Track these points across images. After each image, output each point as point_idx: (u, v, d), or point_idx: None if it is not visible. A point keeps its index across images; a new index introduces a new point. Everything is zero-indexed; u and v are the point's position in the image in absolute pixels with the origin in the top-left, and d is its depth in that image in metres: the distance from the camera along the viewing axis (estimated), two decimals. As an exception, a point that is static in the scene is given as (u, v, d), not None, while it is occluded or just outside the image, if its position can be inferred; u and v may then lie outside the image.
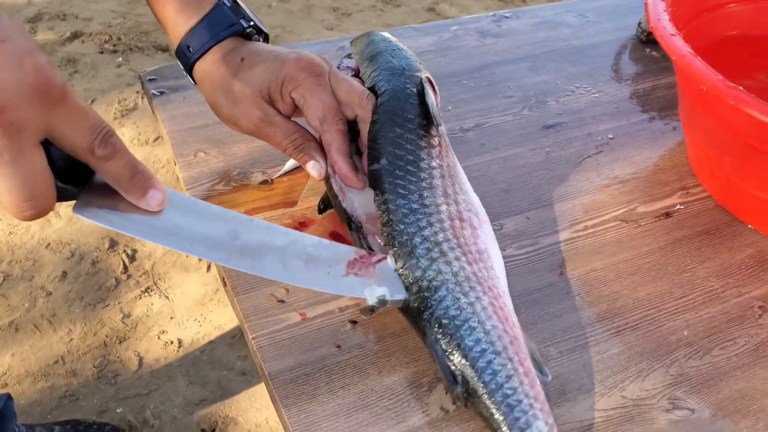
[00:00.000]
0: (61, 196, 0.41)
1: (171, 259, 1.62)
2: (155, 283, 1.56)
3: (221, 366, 1.41)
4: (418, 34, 0.87)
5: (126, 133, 1.93)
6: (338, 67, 0.66)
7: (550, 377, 0.49)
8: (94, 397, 1.34)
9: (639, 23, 0.88)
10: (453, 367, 0.47)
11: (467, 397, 0.46)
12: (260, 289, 0.55)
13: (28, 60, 0.36)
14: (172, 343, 1.44)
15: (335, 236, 0.60)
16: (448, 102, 0.77)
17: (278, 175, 0.65)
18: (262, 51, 0.58)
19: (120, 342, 1.44)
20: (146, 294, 1.53)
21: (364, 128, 0.58)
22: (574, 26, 0.91)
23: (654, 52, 0.86)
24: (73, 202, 0.43)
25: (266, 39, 0.62)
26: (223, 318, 1.49)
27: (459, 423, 0.48)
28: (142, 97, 2.06)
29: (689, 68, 0.56)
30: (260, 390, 1.37)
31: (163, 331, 1.46)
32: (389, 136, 0.56)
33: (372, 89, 0.59)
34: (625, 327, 0.55)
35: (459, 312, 0.48)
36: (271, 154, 0.67)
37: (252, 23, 0.60)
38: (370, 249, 0.54)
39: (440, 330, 0.48)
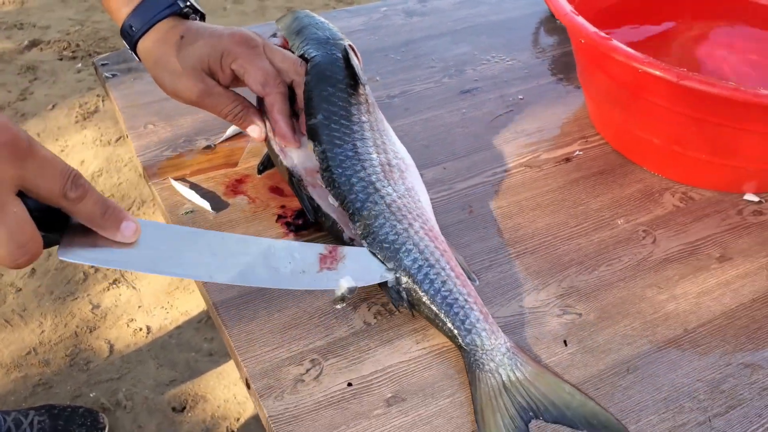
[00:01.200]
0: (45, 243, 0.44)
1: (137, 251, 1.67)
2: (122, 275, 1.62)
3: (189, 348, 1.47)
4: (350, 15, 0.95)
5: (88, 135, 1.99)
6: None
7: (477, 282, 0.58)
8: (67, 383, 1.39)
9: (551, -1, 0.97)
10: (397, 286, 0.55)
11: (413, 306, 0.55)
12: (205, 236, 0.63)
13: None
14: (141, 329, 1.50)
15: (273, 190, 0.67)
16: (377, 73, 0.85)
17: (220, 141, 0.73)
18: (200, 28, 0.64)
19: (90, 331, 1.49)
20: (114, 285, 1.59)
21: (300, 92, 0.65)
22: (493, 3, 0.99)
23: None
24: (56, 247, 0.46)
25: (203, 18, 0.68)
26: (189, 304, 1.55)
27: (378, 333, 0.55)
28: (103, 100, 2.11)
29: (571, 24, 0.64)
30: (227, 369, 1.43)
31: (132, 319, 1.52)
32: (323, 94, 0.63)
33: (303, 57, 0.67)
34: (525, 251, 0.63)
35: (396, 237, 0.56)
36: (213, 123, 0.74)
37: (188, 3, 0.66)
38: (310, 198, 0.61)
39: (382, 255, 0.56)
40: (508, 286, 0.60)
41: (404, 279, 0.55)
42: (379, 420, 0.50)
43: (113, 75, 0.81)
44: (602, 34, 0.62)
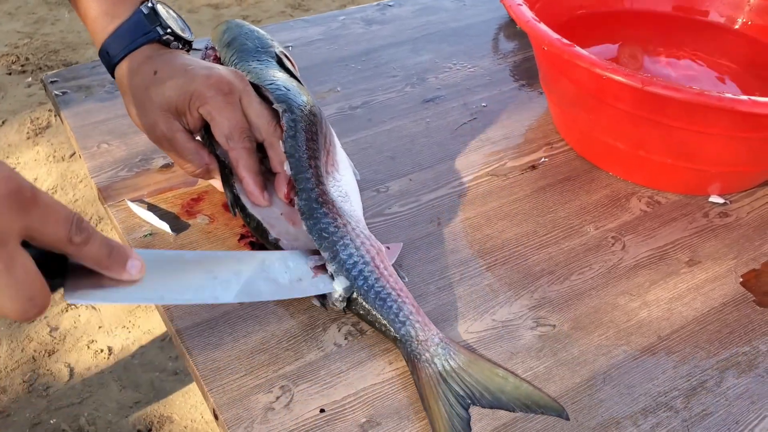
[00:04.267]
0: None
1: (95, 270, 1.63)
2: (81, 295, 1.57)
3: (153, 368, 1.43)
4: (307, 25, 0.93)
5: (41, 151, 1.93)
6: (204, 53, 0.71)
7: (406, 279, 0.58)
8: (25, 411, 1.34)
9: (510, 4, 0.97)
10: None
11: (347, 304, 0.54)
12: (165, 260, 0.60)
13: None
14: (102, 351, 1.46)
15: (226, 207, 0.65)
16: (338, 84, 0.83)
17: (178, 158, 0.70)
18: (176, 64, 0.59)
19: (49, 355, 1.44)
20: (72, 307, 1.54)
21: (272, 154, 0.60)
22: (452, 10, 0.99)
23: (523, 29, 0.95)
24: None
25: (188, 45, 0.64)
26: (151, 323, 1.51)
27: (350, 354, 0.54)
28: (55, 116, 2.05)
29: (533, 31, 0.63)
30: (193, 388, 1.40)
31: (93, 341, 1.48)
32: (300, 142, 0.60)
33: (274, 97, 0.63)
34: (495, 263, 0.62)
35: (336, 230, 0.56)
36: (171, 140, 0.72)
37: (169, 30, 0.61)
38: (236, 197, 0.59)
39: (320, 242, 0.55)
40: (480, 299, 0.58)
41: (339, 274, 0.54)
42: (354, 446, 0.48)
43: (63, 93, 0.78)
44: (565, 41, 0.61)
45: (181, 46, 0.63)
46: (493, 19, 0.98)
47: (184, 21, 0.65)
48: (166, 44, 0.62)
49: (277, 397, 0.51)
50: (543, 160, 0.73)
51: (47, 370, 1.42)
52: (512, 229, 0.65)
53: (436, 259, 0.62)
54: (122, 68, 0.61)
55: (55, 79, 0.81)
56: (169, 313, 0.56)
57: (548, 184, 0.70)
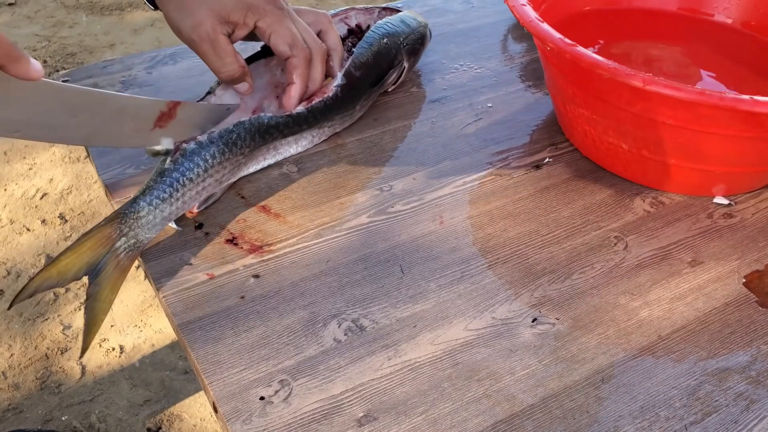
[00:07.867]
0: None
1: (108, 270, 1.64)
2: (94, 294, 1.58)
3: (164, 367, 1.44)
4: (315, 26, 0.94)
5: (57, 152, 1.95)
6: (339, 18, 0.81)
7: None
8: (38, 407, 1.36)
9: (518, 6, 0.97)
10: None
11: None
12: (169, 255, 0.61)
13: None
14: (113, 349, 1.47)
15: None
16: (344, 85, 0.84)
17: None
18: None
19: (62, 353, 1.46)
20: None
21: (327, 39, 0.70)
22: (460, 12, 0.99)
23: (531, 31, 0.95)
24: None
25: None
26: (163, 322, 1.53)
27: (349, 350, 0.54)
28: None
29: (536, 31, 0.64)
30: (203, 386, 1.41)
31: (105, 339, 1.49)
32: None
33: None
34: (497, 261, 0.62)
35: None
36: (178, 139, 0.73)
37: None
38: None
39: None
40: (480, 297, 0.59)
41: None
42: (351, 440, 0.48)
43: (74, 92, 0.79)
44: (567, 40, 0.61)
45: None
46: (501, 21, 0.98)
47: None
48: None
49: (276, 391, 0.51)
50: (547, 160, 0.74)
51: (59, 367, 1.43)
52: (515, 228, 0.65)
53: (438, 257, 0.62)
54: None
55: (67, 78, 0.82)
56: (172, 307, 0.57)
57: (552, 184, 0.71)
